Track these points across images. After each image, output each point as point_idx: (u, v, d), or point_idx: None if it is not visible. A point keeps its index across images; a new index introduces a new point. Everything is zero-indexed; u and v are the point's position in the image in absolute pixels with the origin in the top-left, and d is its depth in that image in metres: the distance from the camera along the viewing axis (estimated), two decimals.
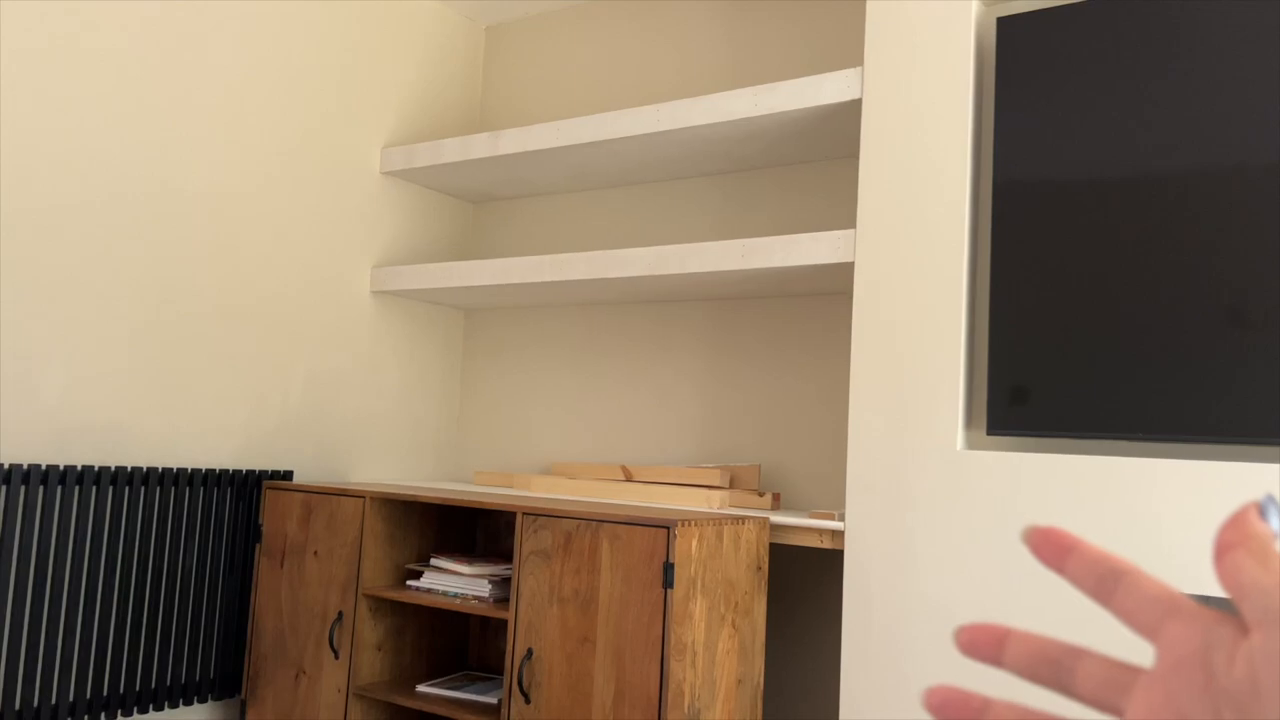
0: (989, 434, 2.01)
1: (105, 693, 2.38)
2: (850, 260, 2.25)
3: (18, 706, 2.22)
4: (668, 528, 1.96)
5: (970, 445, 2.09)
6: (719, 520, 2.09)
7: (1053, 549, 0.39)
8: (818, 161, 2.77)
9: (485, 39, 3.55)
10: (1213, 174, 1.84)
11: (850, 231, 2.25)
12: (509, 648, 2.15)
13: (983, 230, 2.14)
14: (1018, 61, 2.05)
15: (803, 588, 2.65)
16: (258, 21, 2.80)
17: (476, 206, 3.49)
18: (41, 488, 2.28)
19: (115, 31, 2.48)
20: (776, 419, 2.75)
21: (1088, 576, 0.38)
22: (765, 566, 2.24)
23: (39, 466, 2.27)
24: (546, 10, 3.38)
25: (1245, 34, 1.84)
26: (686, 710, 1.97)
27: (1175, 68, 1.90)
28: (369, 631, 2.44)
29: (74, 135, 2.40)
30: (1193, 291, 1.84)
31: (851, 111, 2.37)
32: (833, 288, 2.60)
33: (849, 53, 2.75)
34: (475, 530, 2.83)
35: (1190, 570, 1.77)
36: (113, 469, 2.42)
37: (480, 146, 2.94)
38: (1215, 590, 1.75)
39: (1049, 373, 1.96)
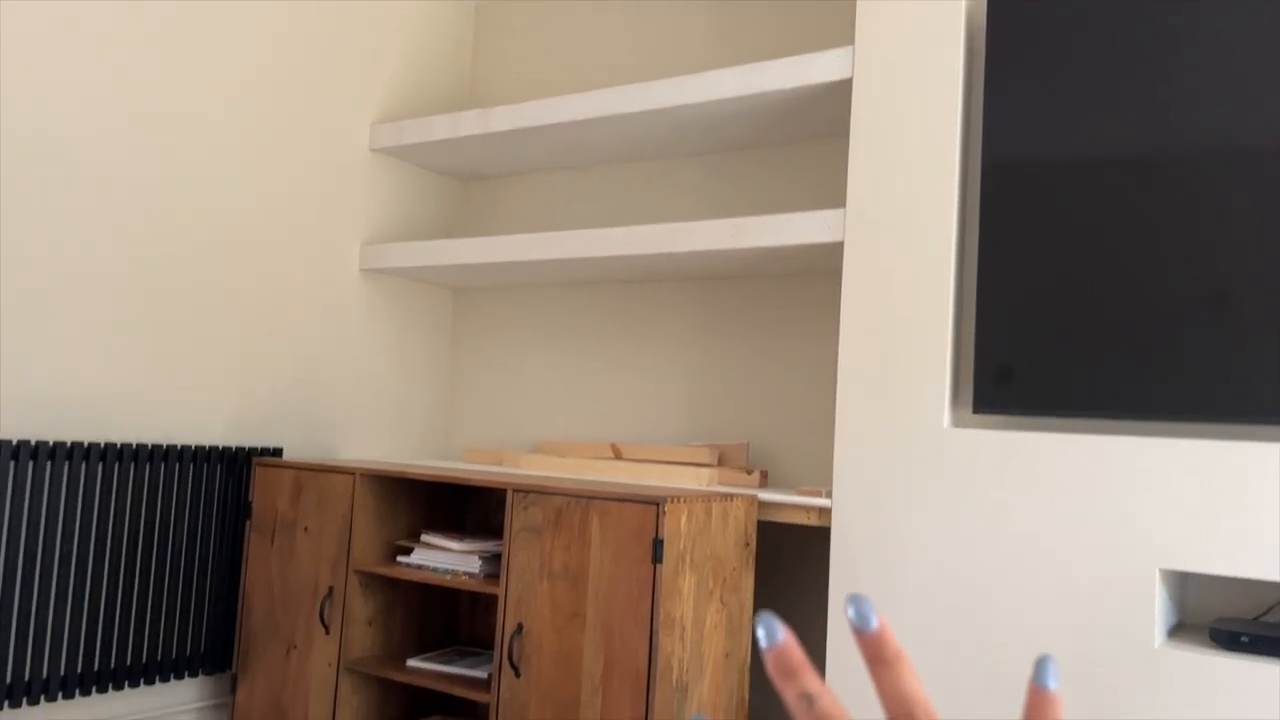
0: (975, 412, 2.03)
1: (96, 668, 2.40)
2: (840, 239, 2.26)
3: (8, 681, 2.23)
4: (657, 504, 1.98)
5: (957, 423, 2.12)
6: (708, 497, 2.11)
7: (780, 670, 0.47)
8: (808, 141, 2.77)
9: (475, 15, 3.54)
10: (1201, 155, 1.86)
11: (840, 211, 2.27)
12: (499, 622, 2.17)
13: (971, 210, 2.16)
14: (1008, 42, 2.06)
15: (790, 564, 2.68)
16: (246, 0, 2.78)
17: (466, 184, 3.49)
18: (31, 463, 2.28)
19: (100, 9, 2.46)
20: (765, 398, 2.77)
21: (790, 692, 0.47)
22: (753, 543, 2.26)
23: (28, 442, 2.27)
24: None
25: (1238, 15, 1.85)
26: (675, 683, 1.99)
27: (1166, 49, 1.91)
28: (360, 607, 2.46)
29: (61, 114, 2.39)
30: (1179, 272, 1.86)
31: (842, 91, 2.38)
32: (822, 267, 2.62)
33: (840, 32, 2.75)
34: (465, 508, 2.84)
35: (1172, 548, 1.80)
36: (102, 445, 2.42)
37: (470, 124, 2.94)
38: (1199, 568, 1.78)
39: (1035, 352, 1.98)
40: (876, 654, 0.48)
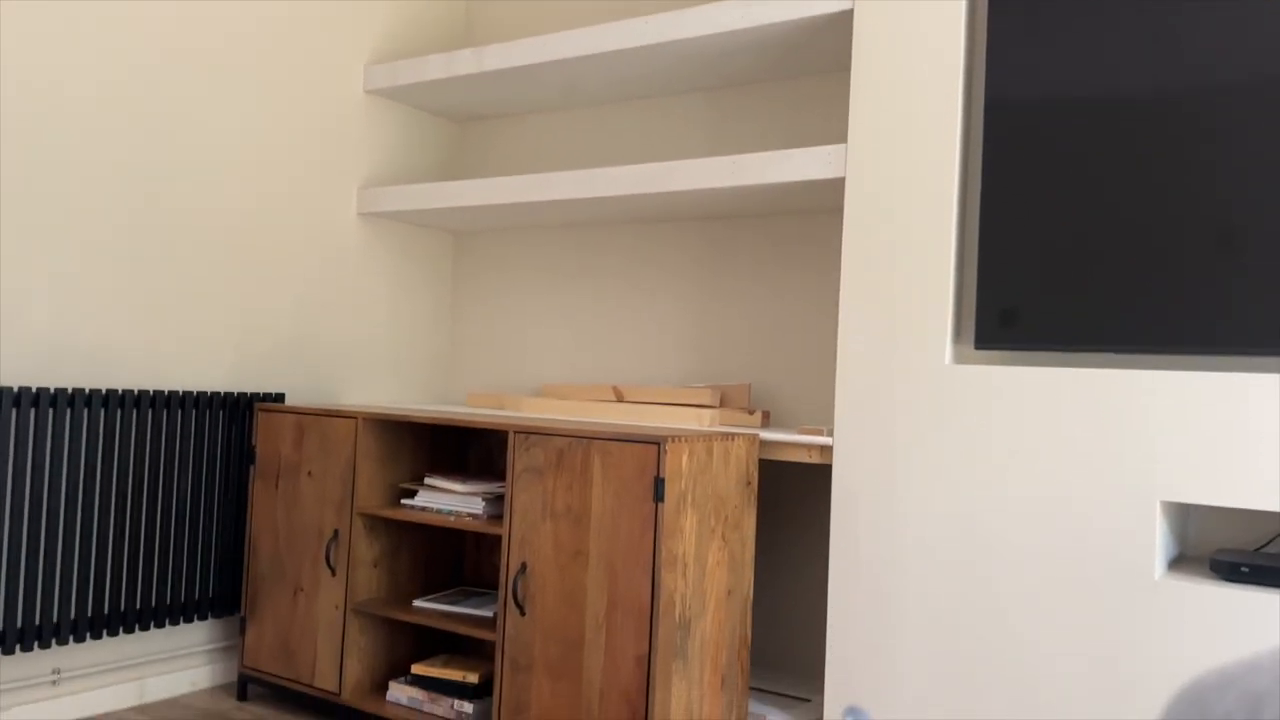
0: (977, 348, 2.02)
1: (107, 611, 2.42)
2: (841, 175, 2.23)
3: (19, 625, 2.26)
4: (658, 444, 1.98)
5: (958, 359, 2.11)
6: (709, 437, 2.11)
7: None
8: (809, 76, 2.73)
9: None
10: (1206, 88, 1.82)
11: (841, 146, 2.23)
12: (503, 562, 2.18)
13: (975, 144, 2.12)
14: None
15: (792, 502, 2.69)
16: None
17: (463, 125, 3.44)
18: (33, 410, 2.28)
19: None
20: (767, 338, 2.76)
21: None
22: (755, 481, 2.27)
23: (29, 389, 2.27)
24: None
25: None
26: (677, 619, 2.01)
27: None
28: (365, 549, 2.48)
29: (59, 64, 2.35)
30: (1183, 206, 1.83)
31: (843, 23, 2.33)
32: (823, 205, 2.59)
33: None
34: (467, 451, 2.85)
35: (1173, 481, 1.80)
36: (104, 391, 2.42)
37: (465, 63, 2.89)
38: (1199, 499, 1.78)
39: (1038, 286, 1.96)
40: None
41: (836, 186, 2.33)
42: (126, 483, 2.47)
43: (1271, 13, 1.77)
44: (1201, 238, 1.81)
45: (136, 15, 2.51)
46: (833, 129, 2.68)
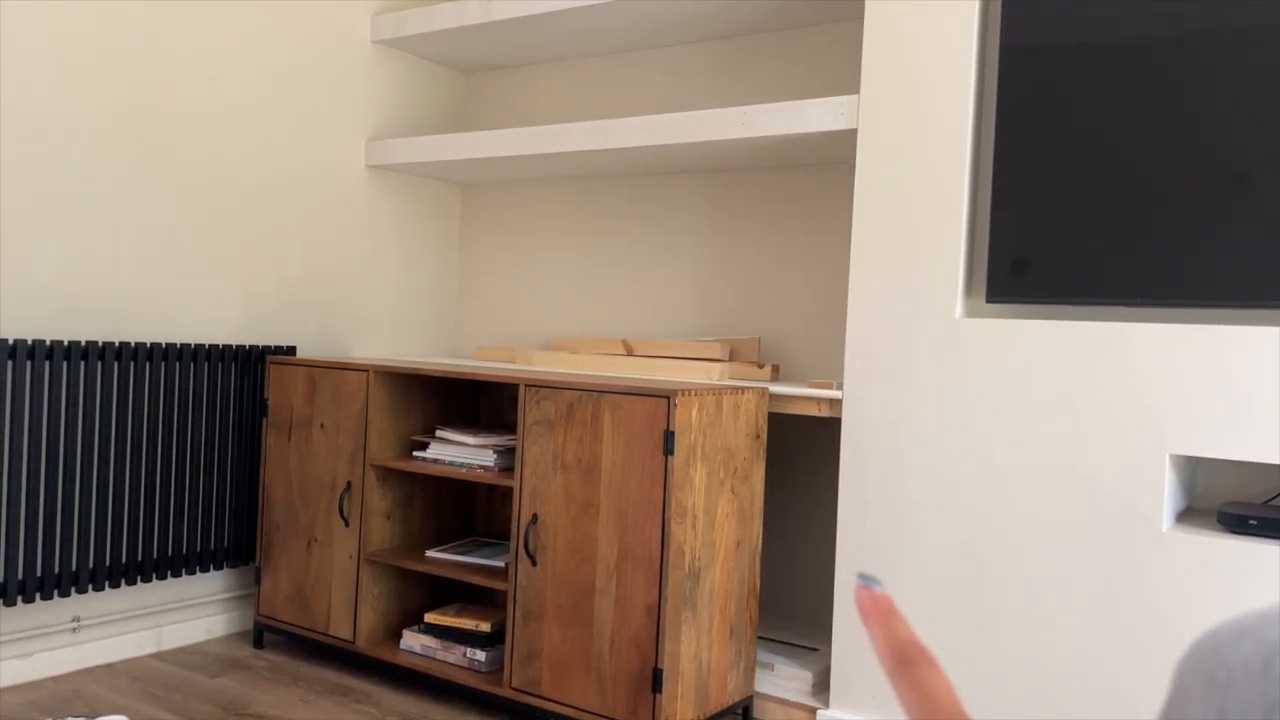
0: (988, 301, 2.01)
1: (124, 560, 2.46)
2: (853, 127, 2.21)
3: (39, 574, 2.30)
4: (668, 397, 1.98)
5: (969, 313, 2.10)
6: (718, 390, 2.12)
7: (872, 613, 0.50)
8: (822, 24, 2.69)
9: None
10: (1218, 39, 1.79)
11: (854, 97, 2.21)
12: (514, 513, 2.20)
13: (988, 96, 2.10)
14: None
15: (801, 455, 2.70)
16: None
17: (470, 77, 3.41)
18: (48, 363, 2.30)
19: None
20: (777, 291, 2.75)
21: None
22: (764, 435, 2.28)
23: (43, 342, 2.29)
24: None
25: None
26: (687, 570, 2.03)
27: None
28: (378, 500, 2.50)
29: (65, 23, 2.32)
30: (1196, 157, 1.81)
31: None
32: (835, 156, 2.57)
33: None
34: (478, 404, 2.87)
35: (1181, 433, 1.80)
36: (117, 344, 2.43)
37: (473, 12, 2.85)
38: (1207, 452, 1.79)
39: (1050, 240, 1.95)
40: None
41: (849, 138, 2.31)
42: (141, 435, 2.49)
43: None
44: (1216, 189, 1.79)
45: None
46: (844, 80, 2.65)
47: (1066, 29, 1.94)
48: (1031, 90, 1.97)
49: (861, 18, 2.60)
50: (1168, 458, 1.82)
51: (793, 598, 2.70)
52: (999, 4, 2.07)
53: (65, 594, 2.35)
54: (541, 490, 2.17)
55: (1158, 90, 1.85)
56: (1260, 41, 1.76)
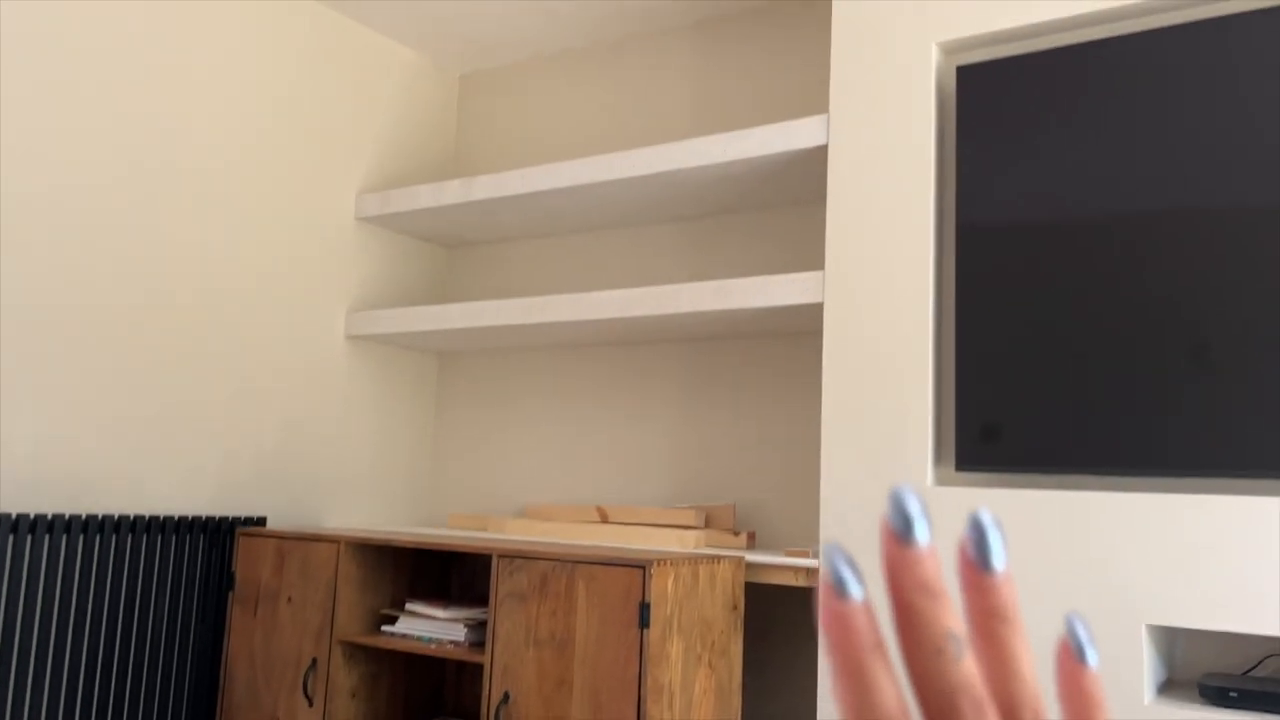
0: (958, 470, 2.04)
1: None
2: (819, 300, 2.29)
3: None
4: (643, 567, 1.97)
5: (940, 481, 2.13)
6: (694, 559, 2.11)
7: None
8: (787, 206, 2.82)
9: (459, 88, 3.61)
10: (1170, 214, 1.90)
11: (819, 273, 2.30)
12: (485, 692, 2.14)
13: (948, 270, 2.19)
14: (977, 108, 2.12)
15: (779, 626, 2.66)
16: (235, 70, 2.84)
17: (451, 251, 3.52)
18: (11, 536, 2.25)
19: (97, 69, 2.50)
20: (751, 458, 2.77)
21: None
22: (741, 605, 2.25)
23: (9, 515, 2.25)
24: (518, 61, 3.45)
25: (1198, 81, 1.92)
26: None
27: (1130, 113, 1.97)
28: (343, 678, 2.42)
29: (49, 185, 2.41)
30: (1156, 328, 1.89)
31: (818, 157, 2.43)
32: (804, 327, 2.65)
33: (815, 100, 2.82)
34: (450, 574, 2.82)
35: (1159, 603, 1.80)
36: (84, 517, 2.40)
37: (453, 193, 2.98)
38: (1186, 622, 1.78)
39: (1016, 409, 2.00)
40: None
41: (815, 311, 2.39)
42: (102, 609, 2.42)
43: (1231, 138, 1.87)
44: (1179, 358, 1.86)
45: (130, 140, 2.60)
46: (811, 256, 2.76)
47: (1021, 207, 2.05)
48: (989, 263, 2.06)
49: (824, 199, 2.74)
50: (1144, 628, 1.81)
51: None
52: (953, 184, 2.20)
53: None
54: (513, 667, 2.11)
55: (1116, 265, 1.95)
56: (1214, 217, 1.87)
